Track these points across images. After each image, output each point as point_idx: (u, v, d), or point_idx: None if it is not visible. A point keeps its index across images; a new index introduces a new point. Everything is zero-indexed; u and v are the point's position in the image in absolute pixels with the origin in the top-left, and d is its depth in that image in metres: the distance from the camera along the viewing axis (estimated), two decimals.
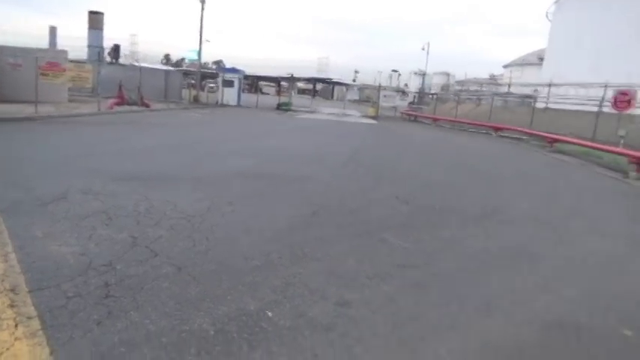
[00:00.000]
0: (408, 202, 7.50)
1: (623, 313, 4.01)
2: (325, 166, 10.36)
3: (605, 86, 22.22)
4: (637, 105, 20.20)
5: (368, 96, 59.43)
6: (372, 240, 5.39)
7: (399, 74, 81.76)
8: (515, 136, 24.39)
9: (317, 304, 3.65)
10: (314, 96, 60.84)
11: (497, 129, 25.81)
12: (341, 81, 50.68)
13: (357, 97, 68.70)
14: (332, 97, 74.88)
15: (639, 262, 5.63)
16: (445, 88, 64.44)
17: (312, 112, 35.05)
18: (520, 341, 3.37)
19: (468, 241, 5.71)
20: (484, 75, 72.44)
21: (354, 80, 67.93)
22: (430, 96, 51.68)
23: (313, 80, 60.82)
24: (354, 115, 34.73)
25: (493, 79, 65.83)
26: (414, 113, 36.66)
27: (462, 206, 7.62)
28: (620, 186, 11.74)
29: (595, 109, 21.82)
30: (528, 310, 3.90)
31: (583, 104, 24.09)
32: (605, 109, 21.29)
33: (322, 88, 78.35)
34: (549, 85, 28.51)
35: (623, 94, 19.29)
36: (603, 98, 21.63)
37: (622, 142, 16.13)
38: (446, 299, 3.99)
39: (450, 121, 30.63)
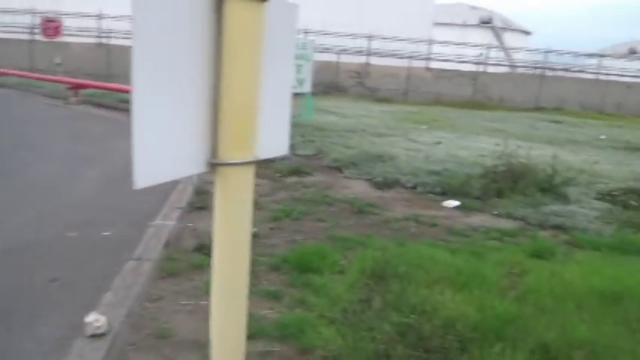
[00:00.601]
0: None
1: (69, 220, 4.55)
2: None
3: (33, 13, 21.78)
4: (67, 32, 21.07)
5: None
6: None
7: None
8: None
9: None
10: None
11: None
12: None
13: None
14: None
15: (82, 176, 6.36)
16: None
17: None
18: None
19: None
20: None
21: None
22: None
23: None
24: None
25: None
26: None
27: None
28: (62, 111, 12.41)
29: (27, 37, 21.27)
30: None
31: (15, 32, 22.91)
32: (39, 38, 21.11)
33: None
34: None
35: (50, 21, 19.57)
36: (34, 26, 21.25)
37: (59, 70, 16.73)
38: None
39: None
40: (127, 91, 13.43)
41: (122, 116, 12.12)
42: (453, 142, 10.47)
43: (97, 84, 14.29)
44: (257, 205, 5.38)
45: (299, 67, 9.50)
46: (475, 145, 10.19)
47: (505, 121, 15.52)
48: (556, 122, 16.33)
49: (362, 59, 24.67)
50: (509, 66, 35.20)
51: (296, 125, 9.94)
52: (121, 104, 13.56)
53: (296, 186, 6.34)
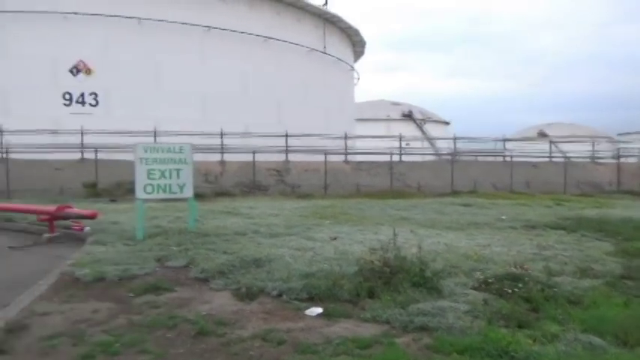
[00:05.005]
0: None
1: None
2: None
3: None
4: None
5: None
6: None
7: None
8: None
9: None
10: None
11: None
12: None
13: None
14: None
15: None
16: None
17: None
18: None
19: None
20: None
21: None
22: None
23: None
24: None
25: None
26: None
27: None
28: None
29: None
30: None
31: None
32: None
33: None
34: None
35: None
36: None
37: None
38: None
39: None
40: (13, 210, 12.41)
41: None
42: (351, 236, 10.12)
43: None
44: (76, 338, 4.57)
45: (178, 171, 9.04)
46: (373, 237, 9.86)
47: (415, 208, 15.59)
48: (466, 205, 16.61)
49: (282, 157, 24.90)
50: (432, 154, 37.02)
51: (177, 233, 9.28)
52: (4, 223, 12.45)
53: (143, 307, 5.55)
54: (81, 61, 24.79)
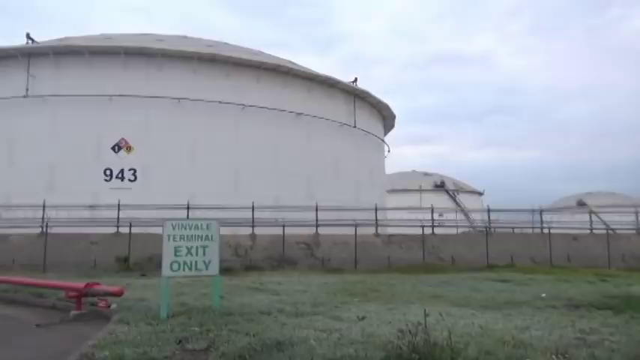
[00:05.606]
0: None
1: None
2: None
3: None
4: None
5: None
6: None
7: None
8: None
9: None
10: None
11: None
12: None
13: None
14: None
15: None
16: None
17: None
18: None
19: None
20: None
21: None
22: None
23: None
24: None
25: None
26: None
27: None
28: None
29: None
30: None
31: None
32: None
33: None
34: None
35: None
36: None
37: None
38: None
39: None
40: (43, 286, 12.56)
41: (25, 313, 11.09)
42: (380, 315, 9.69)
43: (11, 279, 13.37)
44: None
45: (204, 248, 9.05)
46: (403, 317, 9.39)
47: (449, 284, 14.97)
48: (502, 281, 15.87)
49: (312, 230, 24.78)
50: (466, 226, 36.16)
51: (201, 312, 9.11)
52: (35, 299, 12.58)
53: None
54: (123, 139, 26.10)
